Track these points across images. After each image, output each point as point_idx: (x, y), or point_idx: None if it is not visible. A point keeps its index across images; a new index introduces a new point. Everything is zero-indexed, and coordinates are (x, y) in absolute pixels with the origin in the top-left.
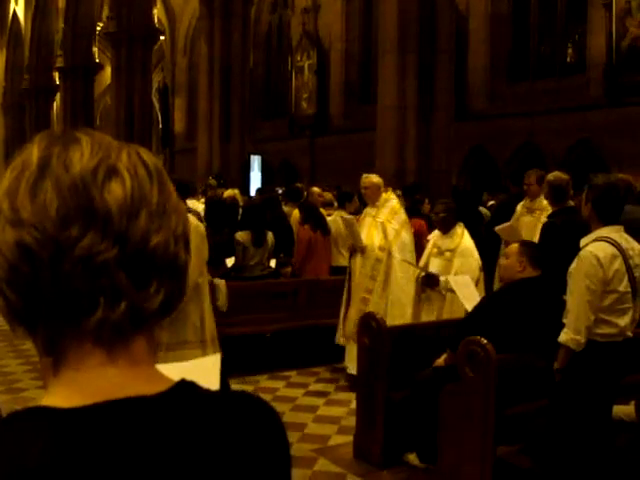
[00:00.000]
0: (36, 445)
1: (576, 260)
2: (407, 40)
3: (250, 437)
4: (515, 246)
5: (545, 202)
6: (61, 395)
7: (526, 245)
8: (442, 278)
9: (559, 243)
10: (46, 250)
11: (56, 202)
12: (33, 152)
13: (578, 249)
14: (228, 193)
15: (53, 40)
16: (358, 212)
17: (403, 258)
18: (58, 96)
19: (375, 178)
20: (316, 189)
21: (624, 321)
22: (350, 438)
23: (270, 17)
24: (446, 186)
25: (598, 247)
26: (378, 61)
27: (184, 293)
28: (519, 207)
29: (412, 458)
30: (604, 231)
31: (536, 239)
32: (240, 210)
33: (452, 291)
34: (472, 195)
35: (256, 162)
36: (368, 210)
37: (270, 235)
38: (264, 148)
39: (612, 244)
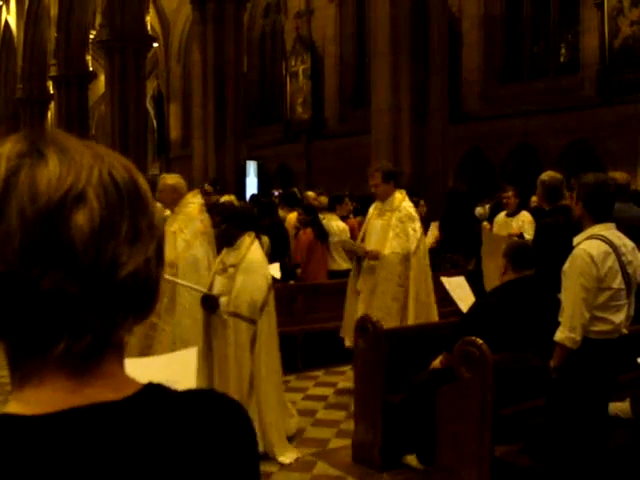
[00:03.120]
0: None
1: (569, 258)
2: (400, 42)
3: (216, 434)
4: (503, 248)
5: (397, 202)
6: (24, 404)
7: (508, 247)
8: (223, 299)
9: (553, 242)
10: (7, 282)
11: (19, 235)
12: (2, 161)
13: (572, 248)
14: (224, 199)
15: (46, 49)
16: (349, 216)
17: (191, 277)
18: (52, 105)
19: (170, 179)
20: (311, 193)
21: (619, 318)
22: (349, 441)
23: (263, 22)
24: (442, 188)
25: (591, 245)
26: (371, 64)
27: (155, 306)
28: (371, 209)
29: (411, 460)
30: (596, 229)
31: (385, 243)
32: None
33: (236, 315)
34: (467, 197)
35: (252, 167)
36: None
37: (265, 239)
38: (260, 153)
39: (605, 241)
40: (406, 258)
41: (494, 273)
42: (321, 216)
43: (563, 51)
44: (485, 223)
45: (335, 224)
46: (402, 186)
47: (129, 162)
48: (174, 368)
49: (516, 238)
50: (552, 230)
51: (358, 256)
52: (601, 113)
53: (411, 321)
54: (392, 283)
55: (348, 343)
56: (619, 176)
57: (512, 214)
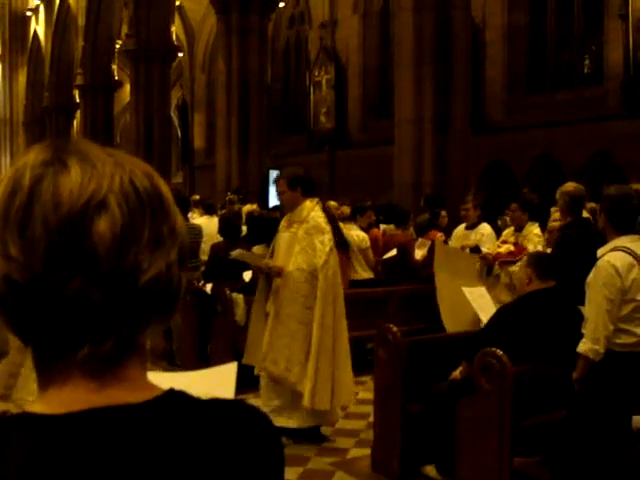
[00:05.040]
0: (16, 449)
1: (594, 270)
2: (423, 53)
3: (241, 443)
4: (524, 258)
5: (305, 212)
6: (46, 404)
7: (533, 257)
8: None
9: (574, 254)
10: (33, 289)
11: (44, 243)
12: (27, 170)
13: (593, 260)
14: (247, 208)
15: (73, 58)
16: (371, 226)
17: None
18: (78, 113)
19: None
20: (333, 203)
21: None
22: (369, 451)
23: (287, 32)
24: (464, 199)
25: (615, 257)
26: (394, 74)
27: (176, 309)
28: (283, 221)
29: (430, 470)
30: (620, 241)
31: (290, 255)
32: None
33: None
34: (493, 206)
35: (275, 177)
36: None
37: None
38: (283, 163)
39: (629, 253)
40: (313, 275)
41: (446, 287)
42: (346, 226)
43: (587, 62)
44: (439, 235)
45: (355, 233)
46: (424, 196)
47: (150, 168)
48: (213, 383)
49: (468, 250)
50: (574, 242)
51: (266, 273)
52: (625, 125)
53: (314, 348)
54: (297, 304)
55: (257, 371)
56: None
57: (472, 226)
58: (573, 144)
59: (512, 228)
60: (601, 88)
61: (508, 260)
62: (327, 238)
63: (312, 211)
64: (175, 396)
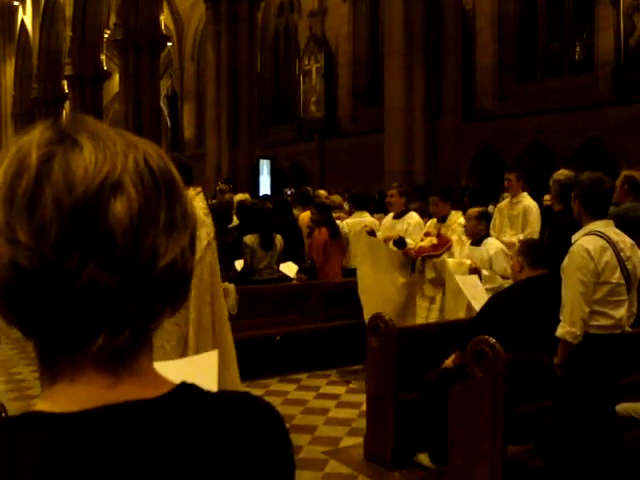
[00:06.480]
0: (30, 450)
1: (568, 255)
2: (413, 41)
3: (252, 438)
4: (516, 247)
5: (196, 202)
6: (56, 401)
7: (524, 245)
8: None
9: (564, 241)
10: (44, 276)
11: (56, 226)
12: (32, 149)
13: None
14: (239, 197)
15: (61, 49)
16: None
17: None
18: (67, 104)
19: None
20: (323, 192)
21: (619, 313)
22: (361, 440)
23: (277, 21)
24: (455, 186)
25: (588, 240)
26: (384, 63)
27: (188, 296)
28: None
29: (423, 459)
30: (594, 225)
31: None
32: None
33: None
34: (482, 194)
35: (265, 166)
36: None
37: (279, 238)
38: (273, 152)
39: (601, 237)
40: None
41: (368, 279)
42: (337, 215)
43: (578, 49)
44: (367, 224)
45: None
46: (414, 185)
47: (161, 149)
48: (196, 371)
49: (392, 244)
50: (566, 229)
51: None
52: (616, 112)
53: (192, 352)
54: None
55: None
56: (638, 175)
57: (399, 215)
58: (564, 131)
59: (434, 220)
60: (592, 75)
61: (431, 254)
62: (205, 232)
63: (193, 201)
64: (187, 390)
